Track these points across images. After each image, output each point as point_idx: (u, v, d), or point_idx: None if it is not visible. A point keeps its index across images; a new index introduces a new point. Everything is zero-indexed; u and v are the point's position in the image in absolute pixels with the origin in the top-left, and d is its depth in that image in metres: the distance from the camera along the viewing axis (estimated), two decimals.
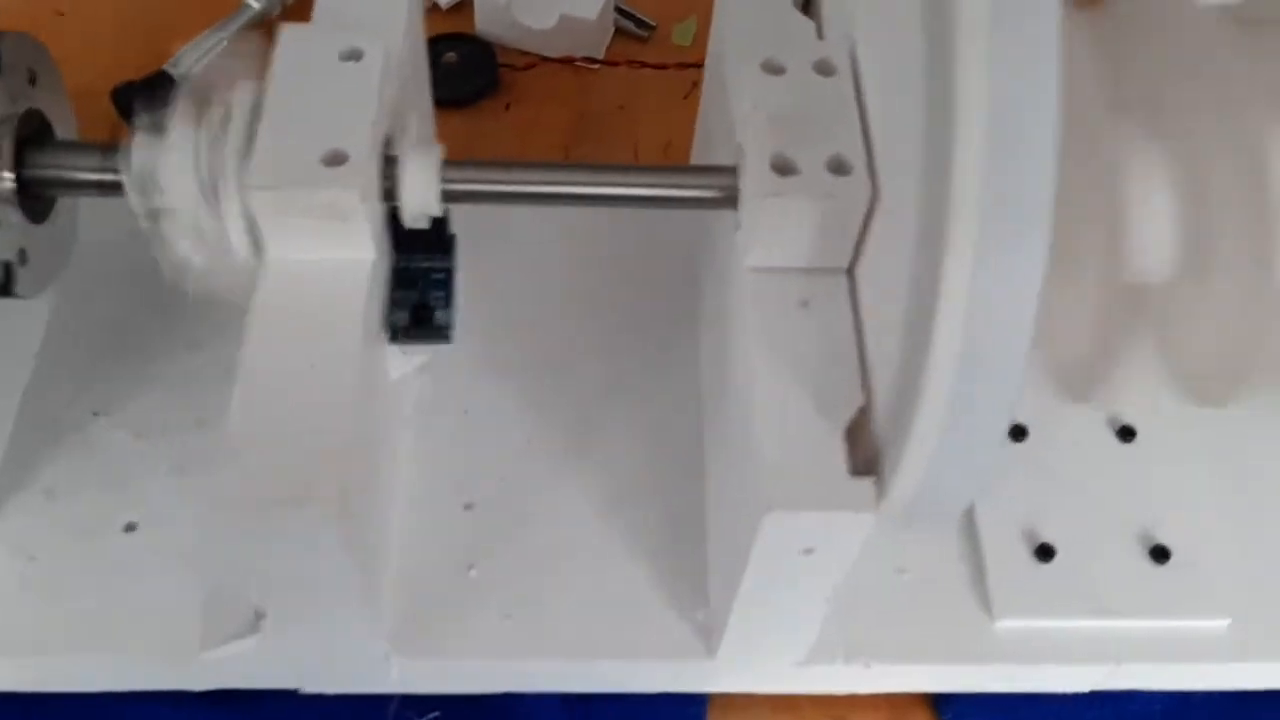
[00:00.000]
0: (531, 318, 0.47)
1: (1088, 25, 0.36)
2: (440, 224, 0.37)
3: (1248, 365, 0.36)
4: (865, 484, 0.31)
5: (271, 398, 0.31)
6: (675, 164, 0.37)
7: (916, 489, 0.31)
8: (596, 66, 0.59)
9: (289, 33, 0.35)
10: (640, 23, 0.61)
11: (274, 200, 0.32)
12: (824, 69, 0.36)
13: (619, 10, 0.60)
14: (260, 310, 0.33)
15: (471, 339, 0.45)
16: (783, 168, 0.33)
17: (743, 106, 0.35)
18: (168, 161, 0.32)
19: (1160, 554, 0.42)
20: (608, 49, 0.60)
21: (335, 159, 0.32)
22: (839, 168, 0.33)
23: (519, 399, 0.45)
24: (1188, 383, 0.41)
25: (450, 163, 0.35)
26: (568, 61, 0.58)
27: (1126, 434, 0.45)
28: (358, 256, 0.34)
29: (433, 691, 0.41)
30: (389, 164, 0.34)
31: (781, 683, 0.42)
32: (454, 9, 0.60)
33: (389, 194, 0.35)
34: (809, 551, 0.32)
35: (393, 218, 0.37)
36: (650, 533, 0.42)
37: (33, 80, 0.35)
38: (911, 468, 0.30)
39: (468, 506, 0.42)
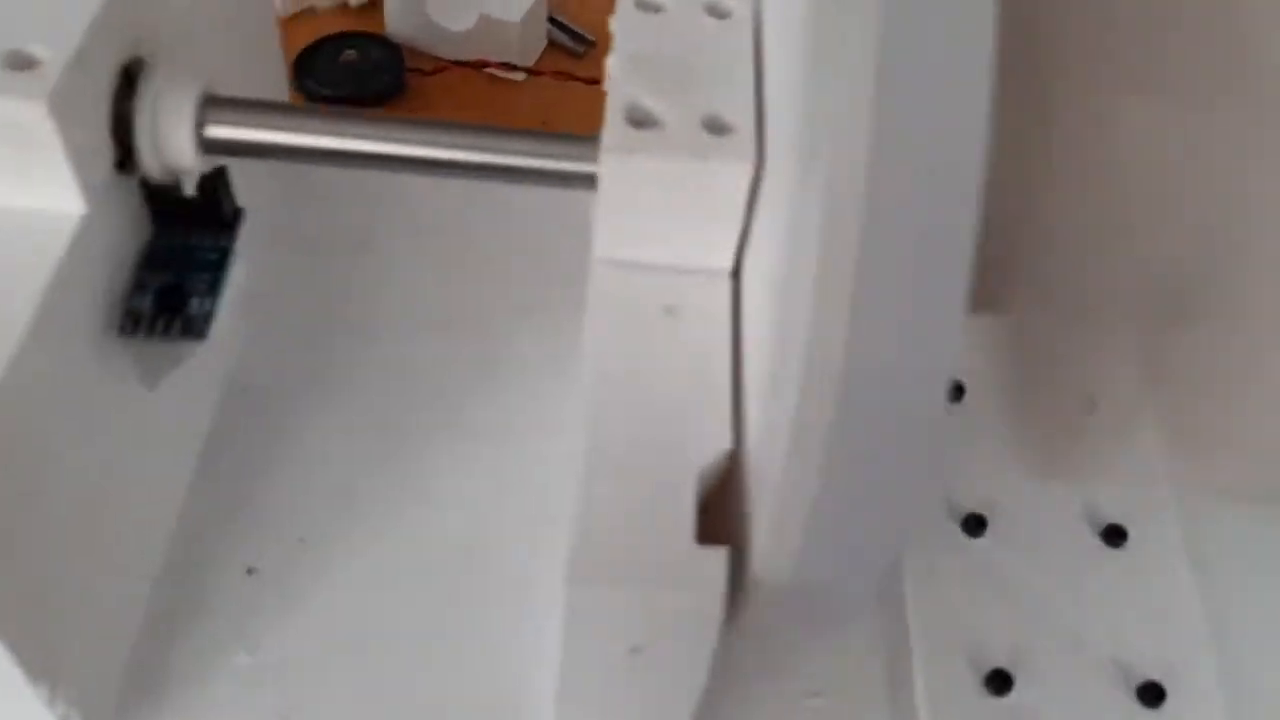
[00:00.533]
0: (374, 327, 0.38)
1: None
2: (214, 190, 0.29)
3: None
4: (715, 556, 0.22)
5: None
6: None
7: (789, 568, 0.21)
8: (520, 77, 0.51)
9: None
10: (577, 36, 0.53)
11: None
12: (716, 10, 0.27)
13: (554, 22, 0.52)
14: None
15: (283, 348, 0.36)
16: (641, 120, 0.25)
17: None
18: None
19: (1151, 694, 0.31)
20: (538, 61, 0.52)
21: (20, 61, 0.23)
22: (716, 126, 0.24)
23: (341, 429, 0.35)
24: (1209, 465, 0.32)
25: (219, 99, 0.27)
26: (481, 67, 0.50)
27: (1115, 535, 0.35)
28: (58, 208, 0.25)
29: None
30: (124, 88, 0.26)
31: None
32: (365, 8, 0.52)
33: (121, 131, 0.26)
34: (636, 651, 0.23)
35: (164, 190, 0.28)
36: (486, 611, 0.32)
37: None
38: (778, 537, 0.21)
39: (250, 571, 0.32)
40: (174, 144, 0.26)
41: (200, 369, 0.33)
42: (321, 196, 0.40)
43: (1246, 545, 0.36)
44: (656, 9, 0.27)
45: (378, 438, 0.35)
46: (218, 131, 0.27)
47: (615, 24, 0.27)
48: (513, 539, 0.32)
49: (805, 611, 0.23)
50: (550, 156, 0.25)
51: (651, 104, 0.25)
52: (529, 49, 0.51)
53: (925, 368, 0.18)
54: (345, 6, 0.53)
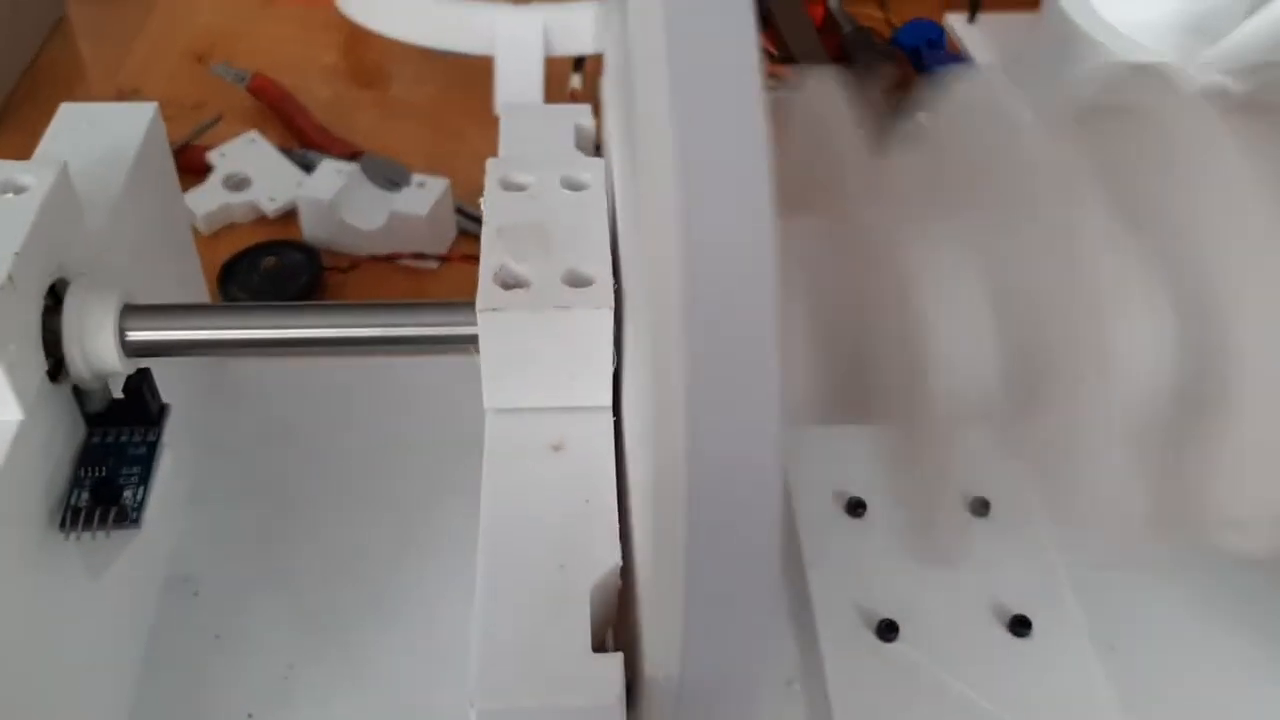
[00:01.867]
0: (302, 512, 0.40)
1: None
2: (139, 389, 0.31)
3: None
4: (611, 660, 0.24)
5: None
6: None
7: (674, 665, 0.23)
8: (434, 265, 0.55)
9: None
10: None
11: None
12: (572, 184, 0.31)
13: (461, 211, 0.57)
14: None
15: (217, 537, 0.38)
16: (510, 282, 0.28)
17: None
18: None
19: None
20: (450, 248, 0.56)
21: None
22: (576, 280, 0.28)
23: (279, 614, 0.37)
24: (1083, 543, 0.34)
25: (137, 307, 0.30)
26: (394, 259, 0.54)
27: (1020, 625, 0.37)
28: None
29: None
30: (52, 306, 0.29)
31: None
32: (282, 218, 0.56)
33: (51, 344, 0.29)
34: None
35: (94, 393, 0.31)
36: None
37: None
38: (659, 647, 0.23)
39: None
40: (99, 351, 0.29)
41: (139, 562, 0.35)
42: (245, 394, 0.42)
43: (1145, 616, 0.38)
44: (520, 187, 0.31)
45: (312, 622, 0.37)
46: (138, 335, 0.30)
47: (484, 203, 0.30)
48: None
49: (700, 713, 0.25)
50: (435, 324, 0.28)
51: (517, 267, 0.28)
52: (440, 238, 0.55)
53: (753, 475, 0.21)
54: (263, 218, 0.56)
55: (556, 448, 0.28)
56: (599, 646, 0.24)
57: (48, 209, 0.29)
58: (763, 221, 0.20)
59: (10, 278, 0.27)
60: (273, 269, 0.53)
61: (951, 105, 0.29)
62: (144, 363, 0.31)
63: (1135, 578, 0.39)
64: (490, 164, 0.32)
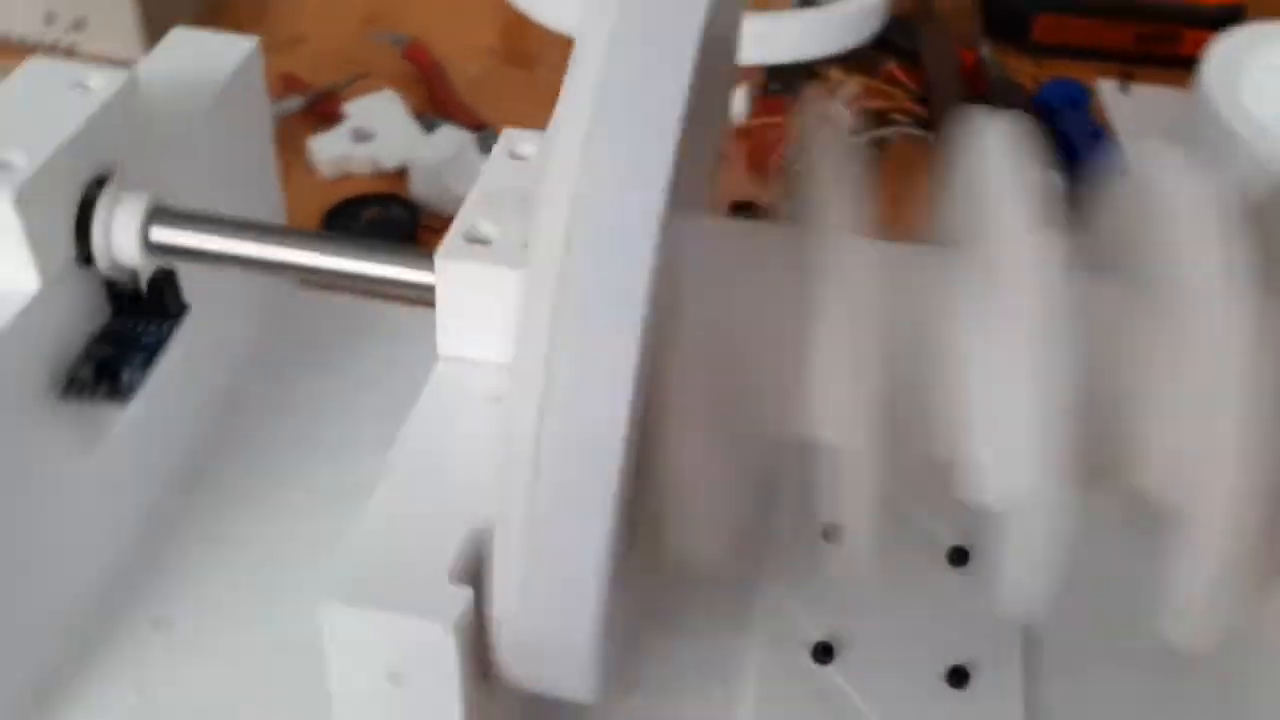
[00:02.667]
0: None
1: None
2: (161, 286, 0.35)
3: None
4: (461, 593, 0.25)
5: None
6: None
7: (514, 615, 0.25)
8: None
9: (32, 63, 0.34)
10: None
11: None
12: None
13: None
14: None
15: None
16: (476, 238, 0.30)
17: None
18: None
19: None
20: None
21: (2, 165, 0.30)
22: None
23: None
24: None
25: (166, 210, 0.33)
26: None
27: (958, 677, 0.36)
28: (14, 284, 0.31)
29: None
30: (90, 197, 0.32)
31: None
32: (397, 174, 0.60)
33: (82, 231, 0.32)
34: (396, 679, 0.26)
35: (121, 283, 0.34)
36: None
37: None
38: (501, 583, 0.24)
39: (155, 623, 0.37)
40: (122, 244, 0.32)
41: (136, 451, 0.37)
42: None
43: (1089, 695, 0.37)
44: (521, 158, 0.32)
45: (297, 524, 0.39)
46: (160, 236, 0.33)
47: (484, 167, 0.32)
48: None
49: (538, 662, 0.26)
50: (401, 265, 0.31)
51: (487, 228, 0.30)
52: None
53: (596, 438, 0.22)
54: (380, 172, 0.60)
55: (496, 400, 0.30)
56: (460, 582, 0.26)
57: (107, 110, 0.32)
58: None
59: (49, 163, 0.30)
60: (374, 219, 0.57)
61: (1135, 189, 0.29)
62: (165, 262, 0.34)
63: (1094, 656, 0.37)
64: (505, 133, 0.33)
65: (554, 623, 0.24)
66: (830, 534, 0.39)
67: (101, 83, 0.33)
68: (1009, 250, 0.26)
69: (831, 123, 0.60)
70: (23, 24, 0.67)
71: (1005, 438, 0.26)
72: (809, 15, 0.68)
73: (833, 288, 0.26)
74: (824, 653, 0.36)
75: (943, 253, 0.28)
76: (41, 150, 0.31)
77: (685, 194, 0.25)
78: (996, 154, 0.27)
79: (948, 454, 0.27)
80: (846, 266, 0.26)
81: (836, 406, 0.26)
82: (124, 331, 0.34)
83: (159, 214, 0.33)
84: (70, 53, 0.66)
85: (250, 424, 0.42)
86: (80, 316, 0.34)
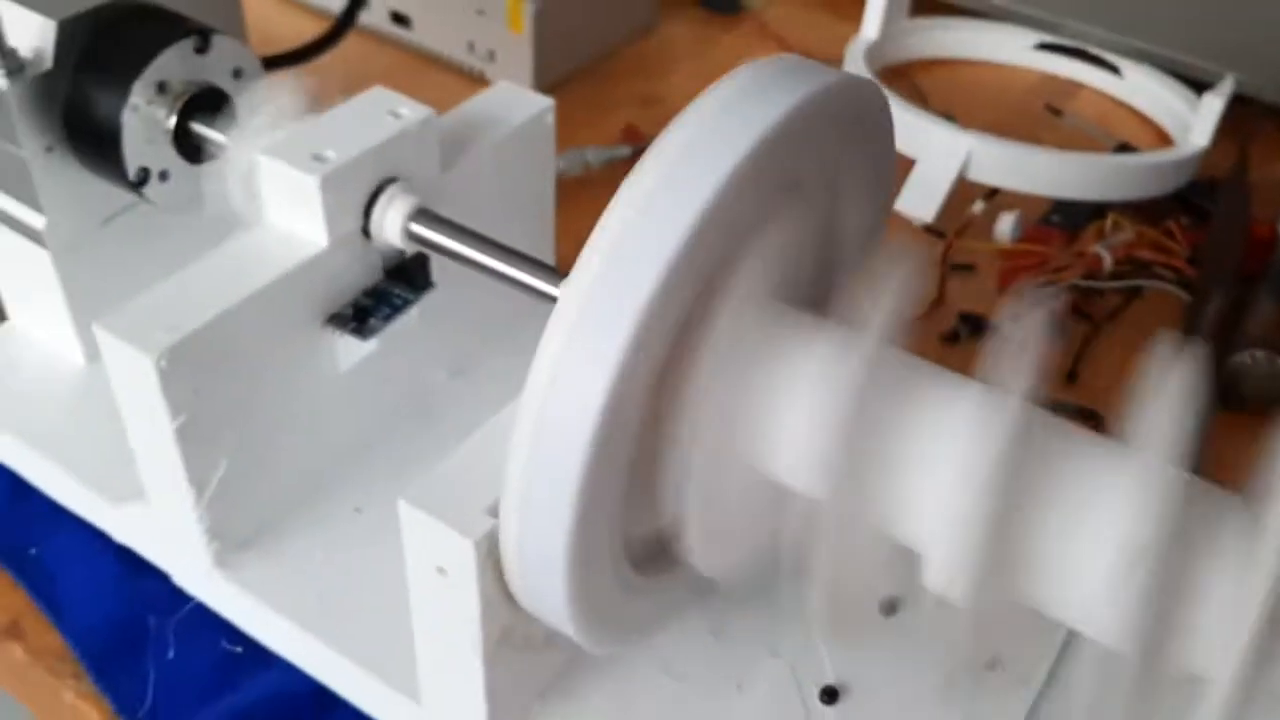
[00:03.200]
0: None
1: None
2: (420, 264, 0.47)
3: None
4: (488, 521, 0.35)
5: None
6: None
7: (513, 550, 0.34)
8: None
9: (373, 91, 0.47)
10: None
11: (267, 167, 0.43)
12: None
13: None
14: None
15: None
16: None
17: None
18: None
19: None
20: None
21: (319, 158, 0.43)
22: None
23: None
24: None
25: (425, 212, 0.45)
26: None
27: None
28: (310, 239, 0.44)
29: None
30: (377, 191, 0.45)
31: None
32: None
33: (367, 213, 0.45)
34: (442, 572, 0.36)
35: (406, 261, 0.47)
36: None
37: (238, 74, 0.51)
38: (504, 520, 0.34)
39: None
40: (387, 228, 0.45)
41: (377, 378, 0.50)
42: None
43: None
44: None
45: None
46: (416, 228, 0.45)
47: None
48: None
49: (527, 579, 0.34)
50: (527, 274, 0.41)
51: None
52: None
53: (572, 420, 0.31)
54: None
55: None
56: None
57: (404, 134, 0.45)
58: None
59: (351, 163, 0.43)
60: None
61: None
62: (420, 249, 0.46)
63: None
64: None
65: (534, 552, 0.33)
66: (888, 607, 0.45)
67: (409, 114, 0.46)
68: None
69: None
70: (452, 47, 0.84)
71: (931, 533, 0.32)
72: (1110, 160, 0.72)
73: (814, 368, 0.33)
74: (830, 696, 0.42)
75: (938, 374, 0.34)
76: (347, 152, 0.43)
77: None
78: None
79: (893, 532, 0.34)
80: (842, 363, 0.33)
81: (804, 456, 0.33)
82: (386, 291, 0.47)
83: (421, 214, 0.45)
84: (480, 76, 0.83)
85: (462, 383, 0.53)
86: (359, 273, 0.46)
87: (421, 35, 0.84)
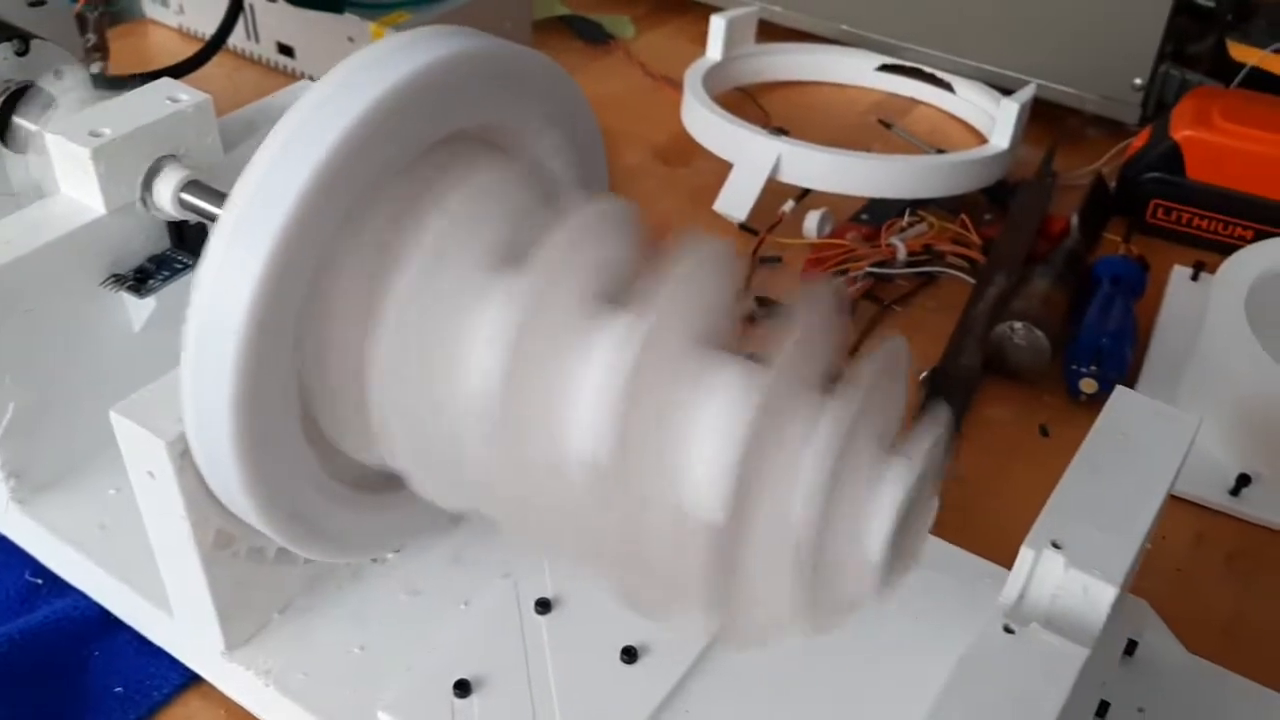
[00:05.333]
0: None
1: None
2: (201, 233, 0.52)
3: None
4: (180, 425, 0.40)
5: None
6: None
7: (195, 446, 0.39)
8: None
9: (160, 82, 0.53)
10: None
11: (53, 143, 0.49)
12: None
13: None
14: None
15: None
16: None
17: None
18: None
19: None
20: None
21: (96, 134, 0.49)
22: None
23: None
24: None
25: (196, 183, 0.51)
26: None
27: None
28: (92, 205, 0.50)
29: None
30: (155, 167, 0.50)
31: (208, 668, 0.47)
32: None
33: (145, 186, 0.51)
34: (151, 476, 0.41)
35: (189, 230, 0.52)
36: None
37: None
38: (185, 420, 0.39)
39: None
40: (163, 199, 0.50)
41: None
42: None
43: None
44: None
45: None
46: (188, 199, 0.50)
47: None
48: None
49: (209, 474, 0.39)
50: None
51: None
52: None
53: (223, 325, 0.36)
54: None
55: None
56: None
57: (179, 116, 0.51)
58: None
59: (128, 138, 0.49)
60: None
61: None
62: (192, 218, 0.51)
63: None
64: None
65: (208, 445, 0.38)
66: None
67: (187, 99, 0.51)
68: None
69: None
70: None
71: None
72: (918, 160, 0.77)
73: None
74: (543, 606, 0.47)
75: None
76: (122, 129, 0.49)
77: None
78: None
79: None
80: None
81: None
82: (170, 257, 0.52)
83: (192, 185, 0.50)
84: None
85: None
86: (146, 242, 0.52)
87: (304, 63, 0.91)
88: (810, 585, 0.33)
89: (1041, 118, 0.83)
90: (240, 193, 0.36)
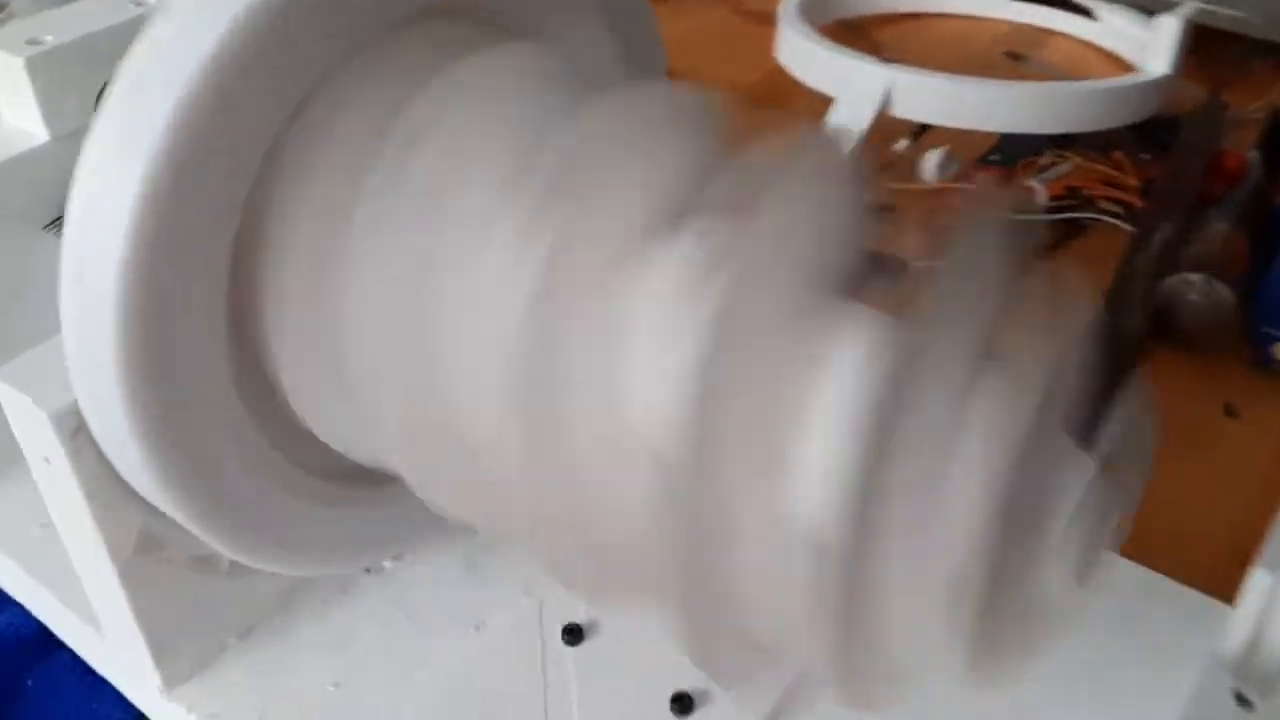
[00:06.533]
0: None
1: None
2: None
3: None
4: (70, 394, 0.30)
5: None
6: None
7: (88, 412, 0.29)
8: None
9: None
10: None
11: None
12: None
13: None
14: None
15: None
16: None
17: None
18: None
19: None
20: None
21: (35, 42, 0.40)
22: None
23: None
24: None
25: None
26: None
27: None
28: (27, 130, 0.40)
29: None
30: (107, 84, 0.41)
31: (149, 706, 0.37)
32: None
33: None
34: (48, 462, 0.31)
35: None
36: None
37: None
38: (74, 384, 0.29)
39: None
40: None
41: None
42: None
43: None
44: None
45: None
46: None
47: None
48: None
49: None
50: None
51: None
52: None
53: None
54: None
55: None
56: None
57: (142, 23, 0.41)
58: None
59: (57, 50, 0.40)
60: None
61: None
62: None
63: None
64: None
65: (103, 421, 0.28)
66: None
67: (155, 3, 0.42)
68: None
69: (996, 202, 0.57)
70: None
71: None
72: (1061, 88, 0.64)
73: None
74: (573, 635, 0.36)
75: None
76: (67, 36, 0.40)
77: None
78: None
79: None
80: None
81: None
82: None
83: None
84: None
85: None
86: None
87: None
88: (975, 613, 0.21)
89: (1196, 47, 0.69)
90: (127, 67, 0.27)
